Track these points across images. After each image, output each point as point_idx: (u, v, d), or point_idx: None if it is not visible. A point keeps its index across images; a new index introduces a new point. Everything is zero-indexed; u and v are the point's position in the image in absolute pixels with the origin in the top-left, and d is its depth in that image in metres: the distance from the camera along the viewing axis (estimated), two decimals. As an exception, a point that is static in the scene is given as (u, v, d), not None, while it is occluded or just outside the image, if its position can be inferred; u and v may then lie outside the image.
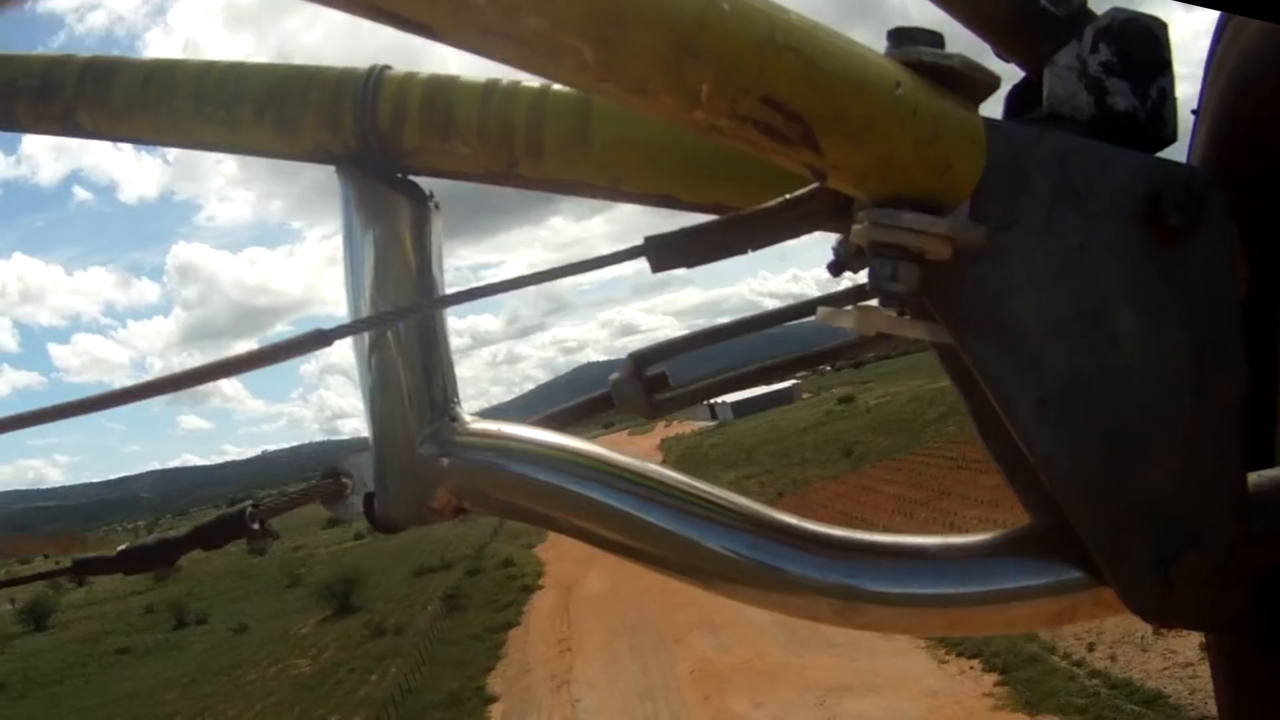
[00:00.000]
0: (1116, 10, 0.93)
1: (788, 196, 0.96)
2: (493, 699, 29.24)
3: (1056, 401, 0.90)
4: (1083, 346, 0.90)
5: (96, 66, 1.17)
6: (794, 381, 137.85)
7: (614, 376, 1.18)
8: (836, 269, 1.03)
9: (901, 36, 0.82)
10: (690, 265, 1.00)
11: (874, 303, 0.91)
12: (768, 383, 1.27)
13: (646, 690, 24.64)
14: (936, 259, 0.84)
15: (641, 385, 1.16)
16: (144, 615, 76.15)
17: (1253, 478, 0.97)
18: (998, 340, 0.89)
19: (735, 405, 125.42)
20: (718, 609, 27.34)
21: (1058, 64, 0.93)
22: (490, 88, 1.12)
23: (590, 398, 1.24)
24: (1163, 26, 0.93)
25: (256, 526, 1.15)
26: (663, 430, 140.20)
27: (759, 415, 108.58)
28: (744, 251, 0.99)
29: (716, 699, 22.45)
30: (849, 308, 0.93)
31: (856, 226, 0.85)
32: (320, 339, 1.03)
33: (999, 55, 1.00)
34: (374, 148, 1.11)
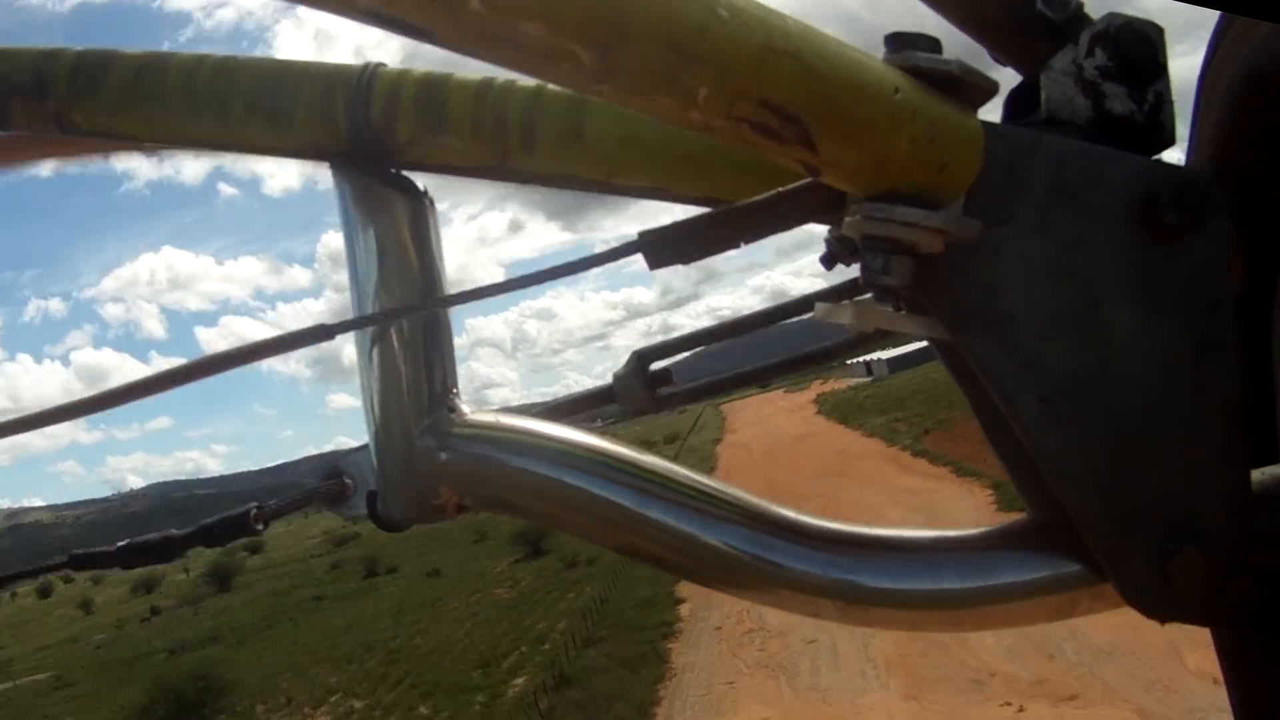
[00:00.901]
0: (1113, 15, 0.93)
1: (780, 190, 0.97)
2: (681, 600, 32.44)
3: (1057, 398, 0.90)
4: (1082, 344, 0.90)
5: (89, 59, 1.18)
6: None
7: (617, 372, 1.21)
8: (829, 261, 1.06)
9: (900, 42, 0.83)
10: (686, 261, 1.02)
11: (870, 298, 0.92)
12: (767, 381, 1.32)
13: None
14: (928, 252, 0.84)
15: (644, 381, 1.19)
16: (330, 571, 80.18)
17: (1256, 474, 0.97)
18: (995, 337, 0.90)
19: (890, 361, 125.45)
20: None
21: (1054, 68, 0.94)
22: (485, 85, 1.13)
23: (592, 390, 1.27)
24: (1159, 31, 0.94)
25: (260, 528, 1.17)
26: (818, 386, 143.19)
27: (913, 370, 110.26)
28: (738, 245, 1.01)
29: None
30: (846, 304, 0.93)
31: (849, 219, 0.86)
32: (323, 332, 1.06)
33: (995, 59, 1.01)
34: (366, 143, 1.12)
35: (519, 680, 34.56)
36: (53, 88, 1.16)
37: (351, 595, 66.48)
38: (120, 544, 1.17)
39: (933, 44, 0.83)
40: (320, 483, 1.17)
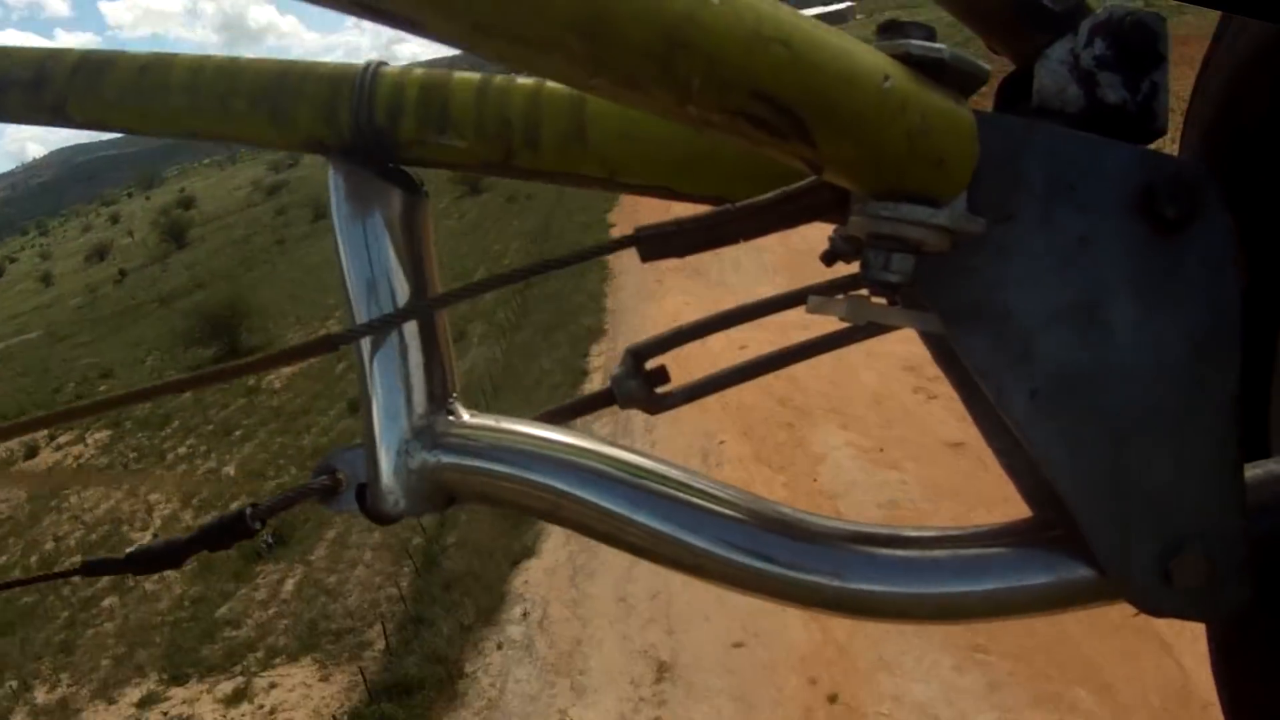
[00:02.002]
0: (1115, 6, 0.91)
1: (786, 190, 0.96)
2: (612, 225, 37.68)
3: (1050, 393, 0.90)
4: (1077, 338, 0.89)
5: (91, 60, 1.18)
6: (848, 4, 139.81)
7: (614, 373, 1.20)
8: (830, 259, 1.04)
9: (892, 29, 0.81)
10: (682, 255, 1.01)
11: (863, 292, 0.92)
12: (765, 373, 1.27)
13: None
14: (934, 250, 0.84)
15: (642, 380, 1.18)
16: (277, 217, 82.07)
17: (1253, 470, 0.97)
18: (989, 331, 0.89)
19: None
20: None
21: (1050, 57, 0.92)
22: (485, 82, 1.12)
23: (591, 395, 1.26)
24: (1161, 22, 0.91)
25: (257, 526, 1.17)
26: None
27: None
28: (736, 241, 1.00)
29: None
30: (839, 297, 0.93)
31: (854, 218, 0.85)
32: (327, 344, 1.08)
33: (990, 48, 1.00)
34: (368, 139, 1.11)
35: (492, 279, 41.11)
36: (52, 82, 1.16)
37: (310, 236, 69.14)
38: (129, 551, 1.20)
39: (926, 32, 0.81)
40: (313, 479, 1.17)
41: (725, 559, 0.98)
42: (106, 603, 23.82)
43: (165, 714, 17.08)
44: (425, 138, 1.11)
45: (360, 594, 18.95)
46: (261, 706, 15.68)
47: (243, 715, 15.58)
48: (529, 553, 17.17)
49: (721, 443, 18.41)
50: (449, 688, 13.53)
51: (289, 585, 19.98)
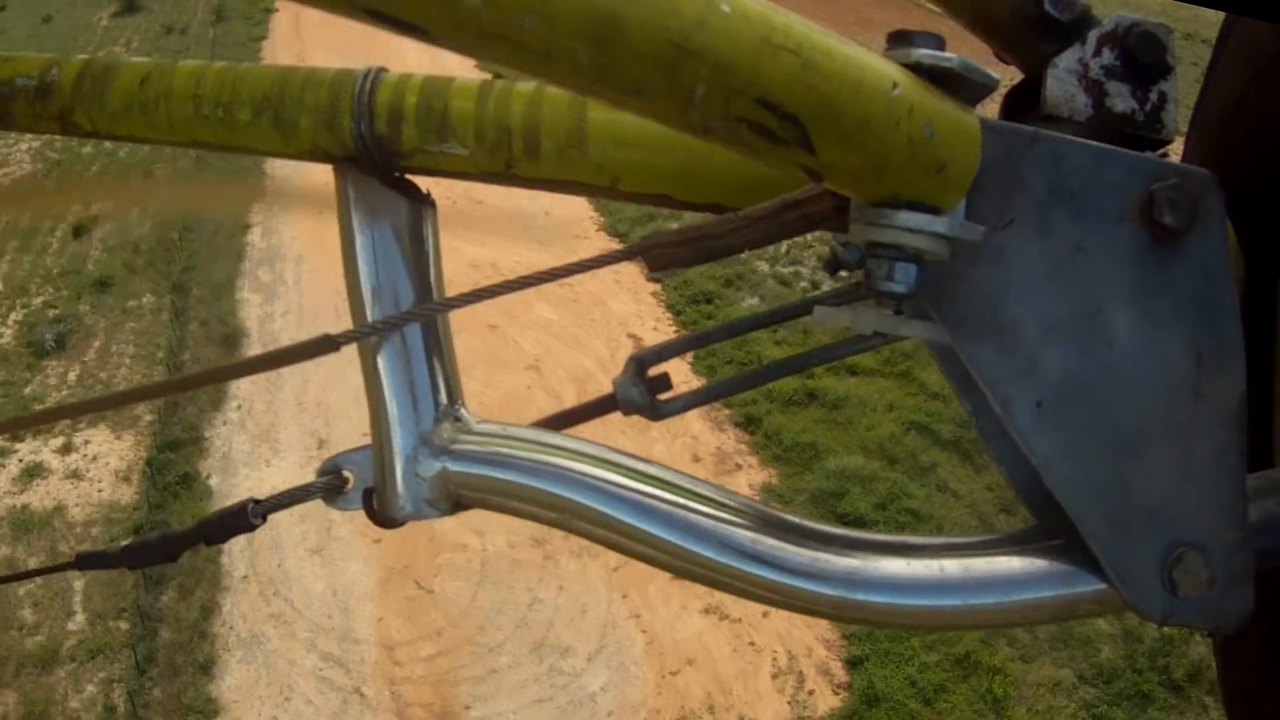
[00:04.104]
0: (1122, 16, 0.90)
1: (786, 197, 0.94)
2: None
3: (1054, 403, 0.88)
4: (1080, 348, 0.87)
5: (94, 66, 1.16)
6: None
7: (617, 380, 1.14)
8: (833, 267, 1.02)
9: (901, 39, 0.79)
10: (688, 266, 0.99)
11: (869, 301, 0.90)
12: (767, 383, 1.23)
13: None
14: (934, 259, 0.82)
15: (645, 388, 1.13)
16: None
17: (1253, 479, 0.95)
18: (994, 341, 0.87)
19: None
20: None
21: (1059, 66, 0.91)
22: (485, 89, 1.09)
23: (594, 401, 1.21)
24: (1167, 32, 0.90)
25: (258, 521, 1.16)
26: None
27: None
28: (741, 251, 0.97)
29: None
30: (844, 308, 0.91)
31: (854, 226, 0.83)
32: (328, 344, 1.04)
33: (999, 58, 0.98)
34: (371, 148, 1.08)
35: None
36: (57, 91, 1.14)
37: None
38: (123, 544, 1.19)
39: (937, 41, 0.79)
40: (319, 478, 1.15)
41: (735, 567, 0.95)
42: (-72, 381, 25.73)
43: (21, 460, 19.34)
44: (427, 146, 1.08)
45: (126, 384, 22.15)
46: (86, 455, 18.63)
47: (77, 460, 18.37)
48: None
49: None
50: (198, 446, 18.86)
51: (72, 376, 22.76)
